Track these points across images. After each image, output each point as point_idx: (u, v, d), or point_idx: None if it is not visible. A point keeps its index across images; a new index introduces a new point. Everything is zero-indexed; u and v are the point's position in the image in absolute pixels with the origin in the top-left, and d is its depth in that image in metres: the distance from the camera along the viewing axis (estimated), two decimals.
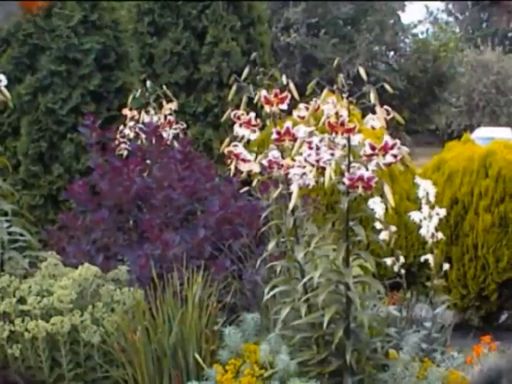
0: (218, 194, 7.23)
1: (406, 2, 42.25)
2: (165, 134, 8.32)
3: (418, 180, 6.55)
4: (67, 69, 9.65)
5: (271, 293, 5.59)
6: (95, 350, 5.85)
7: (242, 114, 5.65)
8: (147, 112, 8.78)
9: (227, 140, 5.67)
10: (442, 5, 67.87)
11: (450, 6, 66.75)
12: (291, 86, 5.71)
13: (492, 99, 48.99)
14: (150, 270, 6.16)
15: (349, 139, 5.03)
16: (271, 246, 5.66)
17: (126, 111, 8.84)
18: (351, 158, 5.07)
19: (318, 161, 5.03)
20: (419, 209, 6.48)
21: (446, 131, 46.88)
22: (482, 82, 49.05)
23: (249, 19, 11.37)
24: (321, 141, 5.07)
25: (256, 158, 5.56)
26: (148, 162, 7.70)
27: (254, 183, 5.84)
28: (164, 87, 9.04)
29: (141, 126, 8.45)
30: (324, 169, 5.01)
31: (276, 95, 5.60)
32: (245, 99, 5.71)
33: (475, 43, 56.77)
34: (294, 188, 5.21)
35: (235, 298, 6.34)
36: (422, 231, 6.48)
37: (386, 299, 6.18)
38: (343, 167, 5.08)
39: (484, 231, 8.98)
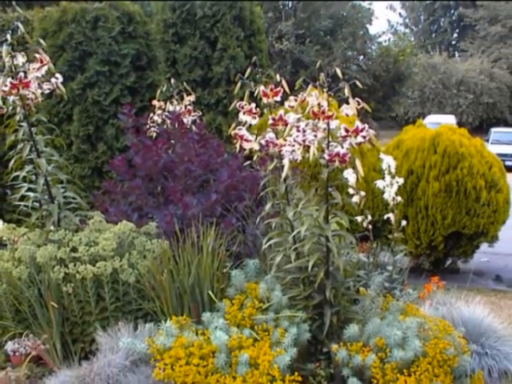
0: (226, 166, 7.19)
1: (373, 17, 42.09)
2: (185, 120, 8.28)
3: (382, 156, 6.51)
4: (109, 69, 9.59)
5: (268, 243, 5.57)
6: (131, 287, 5.83)
7: (245, 105, 5.61)
8: (171, 103, 8.74)
9: (233, 124, 5.63)
10: (400, 19, 67.98)
11: (407, 20, 66.78)
12: (283, 82, 5.67)
13: (439, 93, 49.15)
14: (174, 226, 6.14)
15: (328, 124, 4.99)
16: (268, 206, 5.63)
17: (155, 102, 8.81)
18: (330, 139, 5.03)
19: (304, 141, 4.99)
20: (383, 178, 6.45)
21: (403, 118, 47.09)
22: (432, 79, 49.22)
23: (250, 31, 11.34)
24: (306, 125, 5.03)
25: (256, 138, 5.53)
26: (172, 141, 7.67)
27: (255, 158, 5.81)
28: (184, 84, 8.99)
29: (166, 113, 8.43)
30: (309, 147, 4.97)
31: (271, 90, 5.57)
32: (247, 93, 5.68)
33: (426, 49, 56.99)
34: (286, 162, 5.18)
35: (240, 248, 6.32)
36: (385, 195, 6.45)
37: (357, 248, 6.15)
38: (324, 146, 5.03)
39: (433, 195, 8.96)
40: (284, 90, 5.63)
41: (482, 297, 7.06)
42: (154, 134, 8.35)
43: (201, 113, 9.03)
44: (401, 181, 6.46)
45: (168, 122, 8.23)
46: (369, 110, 5.28)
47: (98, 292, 5.81)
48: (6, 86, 5.99)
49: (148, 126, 8.47)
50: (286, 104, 5.61)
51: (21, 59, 6.13)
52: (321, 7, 37.50)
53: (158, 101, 8.79)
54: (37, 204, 6.45)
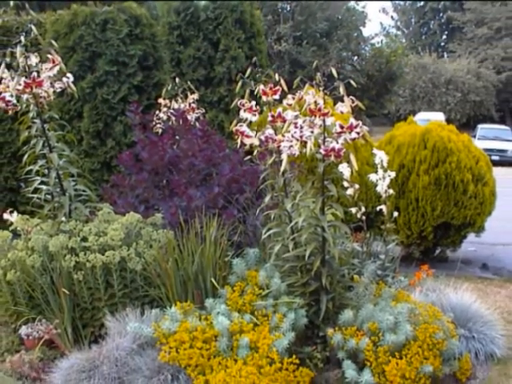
0: (228, 161, 7.19)
1: (366, 20, 42.04)
2: (189, 117, 8.29)
3: (375, 151, 6.50)
4: (117, 69, 9.57)
5: (267, 233, 5.56)
6: (138, 275, 5.83)
7: (246, 102, 5.61)
8: (176, 101, 8.75)
9: (235, 121, 5.62)
10: (392, 22, 68.01)
11: (399, 23, 66.78)
12: (282, 82, 5.66)
13: (429, 91, 49.13)
14: (178, 217, 6.13)
15: (324, 121, 4.98)
16: (267, 199, 5.63)
17: (160, 100, 8.81)
18: (326, 135, 5.02)
19: (301, 136, 4.99)
20: (376, 172, 6.44)
21: (395, 115, 47.05)
22: (422, 78, 49.18)
23: (250, 33, 11.33)
24: (303, 122, 5.03)
25: (256, 134, 5.52)
26: (177, 137, 7.67)
27: (255, 153, 5.81)
28: (188, 83, 8.98)
29: (171, 111, 8.42)
30: (306, 142, 4.98)
31: (271, 88, 5.56)
32: (248, 91, 5.68)
33: (417, 50, 56.91)
34: (284, 156, 5.18)
35: (241, 238, 6.31)
36: (378, 188, 6.45)
37: (351, 238, 6.14)
38: (320, 141, 5.03)
39: (423, 188, 8.94)
40: (282, 89, 5.63)
41: (469, 284, 7.07)
42: (160, 131, 8.36)
43: (204, 110, 9.04)
44: (393, 174, 6.46)
45: (173, 118, 8.22)
46: (362, 107, 5.28)
47: (107, 279, 5.81)
48: (20, 84, 6.00)
49: (154, 123, 8.48)
50: (285, 102, 5.60)
51: (34, 60, 6.14)
52: (317, 10, 37.45)
53: (164, 99, 8.80)
54: (49, 196, 6.45)
